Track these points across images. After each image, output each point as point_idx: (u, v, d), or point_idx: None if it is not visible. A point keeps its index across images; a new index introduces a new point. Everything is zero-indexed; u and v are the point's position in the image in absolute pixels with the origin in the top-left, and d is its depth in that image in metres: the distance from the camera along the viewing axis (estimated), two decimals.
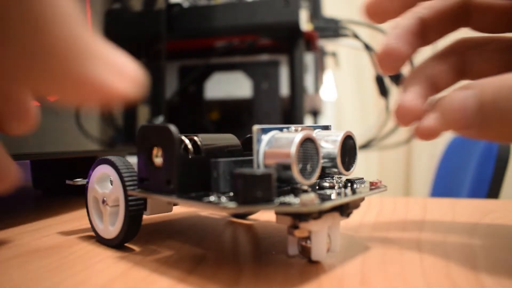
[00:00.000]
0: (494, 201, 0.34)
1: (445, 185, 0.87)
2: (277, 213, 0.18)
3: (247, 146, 0.20)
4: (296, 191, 0.18)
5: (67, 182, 0.23)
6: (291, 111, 0.54)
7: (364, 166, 1.31)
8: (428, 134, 0.18)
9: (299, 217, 0.17)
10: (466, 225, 0.26)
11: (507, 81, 0.16)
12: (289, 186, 0.18)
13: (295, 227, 0.17)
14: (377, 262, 0.18)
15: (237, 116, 0.60)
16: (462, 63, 0.21)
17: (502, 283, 0.16)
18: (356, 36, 0.59)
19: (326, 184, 0.19)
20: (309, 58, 0.60)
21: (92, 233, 0.22)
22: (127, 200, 0.19)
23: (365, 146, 0.63)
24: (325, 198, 0.17)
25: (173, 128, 0.17)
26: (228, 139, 0.20)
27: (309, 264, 0.18)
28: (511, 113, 0.16)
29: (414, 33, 0.21)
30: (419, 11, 0.21)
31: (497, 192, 0.65)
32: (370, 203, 0.32)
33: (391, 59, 0.20)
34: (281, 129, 0.18)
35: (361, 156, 1.17)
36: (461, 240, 0.22)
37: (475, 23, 0.21)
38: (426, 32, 0.21)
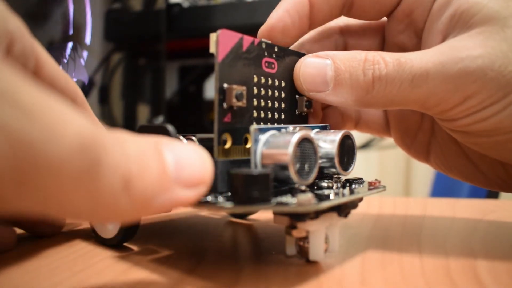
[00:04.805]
0: (494, 201, 0.34)
1: (445, 185, 0.87)
2: (274, 213, 0.18)
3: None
4: (293, 191, 0.18)
5: None
6: None
7: (364, 166, 1.30)
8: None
9: (297, 217, 0.17)
10: (466, 225, 0.26)
11: (354, 53, 0.20)
12: (287, 186, 0.18)
13: (293, 227, 0.17)
14: (377, 262, 0.18)
15: None
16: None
17: (502, 283, 0.16)
18: None
19: (324, 184, 0.19)
20: None
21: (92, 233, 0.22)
22: None
23: (365, 146, 0.63)
24: (322, 198, 0.17)
25: (170, 128, 0.17)
26: None
27: (308, 264, 0.18)
28: (356, 78, 0.19)
29: (301, 10, 0.22)
30: None
31: (497, 192, 0.65)
32: (370, 203, 0.32)
33: (277, 31, 0.22)
34: (279, 129, 0.18)
35: (361, 156, 1.16)
36: (461, 240, 0.22)
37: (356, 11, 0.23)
38: (313, 13, 0.22)
